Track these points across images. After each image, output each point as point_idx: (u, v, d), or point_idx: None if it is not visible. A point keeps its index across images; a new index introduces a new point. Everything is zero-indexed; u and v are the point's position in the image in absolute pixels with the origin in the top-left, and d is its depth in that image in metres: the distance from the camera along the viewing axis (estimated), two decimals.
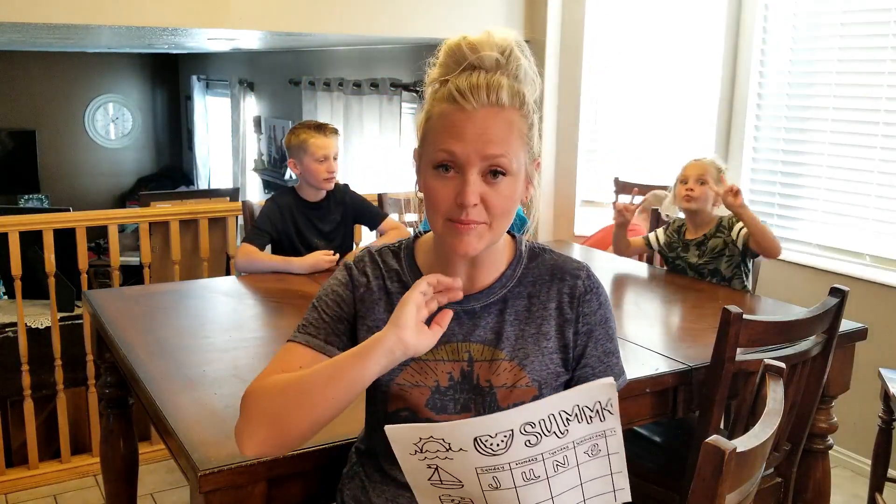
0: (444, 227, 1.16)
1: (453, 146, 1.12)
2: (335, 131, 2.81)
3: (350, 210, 2.89)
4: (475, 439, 1.01)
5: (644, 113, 4.01)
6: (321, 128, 2.77)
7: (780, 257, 3.33)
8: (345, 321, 1.26)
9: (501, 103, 1.13)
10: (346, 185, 2.93)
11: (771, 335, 1.80)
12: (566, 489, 1.07)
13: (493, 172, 1.13)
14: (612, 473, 1.08)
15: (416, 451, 1.03)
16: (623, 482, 1.09)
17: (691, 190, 2.65)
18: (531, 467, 1.04)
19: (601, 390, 1.05)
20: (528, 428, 1.03)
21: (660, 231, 2.85)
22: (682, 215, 2.79)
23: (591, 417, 1.05)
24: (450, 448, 1.01)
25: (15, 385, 3.12)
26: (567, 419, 1.04)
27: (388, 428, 1.02)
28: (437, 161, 1.14)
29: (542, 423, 1.03)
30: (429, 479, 1.05)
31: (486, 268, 1.24)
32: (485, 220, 1.14)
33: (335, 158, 2.77)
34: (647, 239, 2.86)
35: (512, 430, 1.02)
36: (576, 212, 4.09)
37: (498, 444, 1.02)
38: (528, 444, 1.03)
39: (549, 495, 1.06)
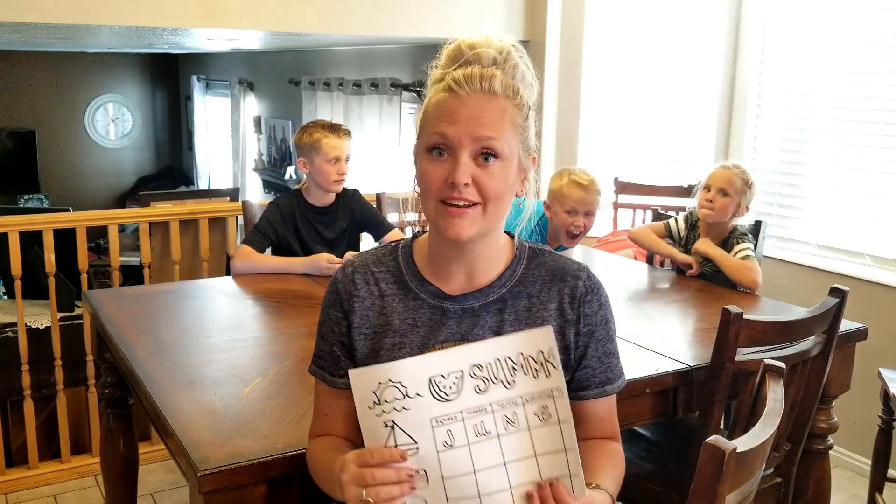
0: (437, 209, 1.17)
1: (445, 128, 1.14)
2: (348, 133, 2.76)
3: (357, 217, 2.84)
4: (430, 380, 1.06)
5: (644, 113, 4.01)
6: (335, 128, 2.73)
7: (779, 257, 3.36)
8: (341, 344, 1.27)
9: (494, 91, 1.15)
10: (355, 191, 2.88)
11: (771, 335, 1.80)
12: (519, 457, 1.08)
13: (485, 155, 1.14)
14: (566, 450, 1.08)
15: (374, 402, 1.06)
16: (577, 466, 1.09)
17: (711, 201, 2.60)
18: (482, 419, 1.07)
19: (542, 337, 1.09)
20: (477, 371, 1.07)
21: (680, 219, 2.79)
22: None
23: (536, 371, 1.08)
24: (406, 395, 1.06)
25: (15, 385, 3.12)
26: (513, 368, 1.08)
27: (351, 371, 1.08)
28: (430, 143, 1.16)
29: (489, 367, 1.07)
30: (385, 446, 1.07)
31: (484, 266, 1.24)
32: (477, 199, 1.15)
33: (347, 160, 2.72)
34: (667, 225, 2.81)
35: (462, 371, 1.07)
36: None
37: (450, 387, 1.07)
38: (477, 389, 1.07)
39: (501, 460, 1.07)
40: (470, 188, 1.14)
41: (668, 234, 2.79)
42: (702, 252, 2.63)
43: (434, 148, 1.15)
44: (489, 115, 1.14)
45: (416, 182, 1.22)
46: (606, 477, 1.20)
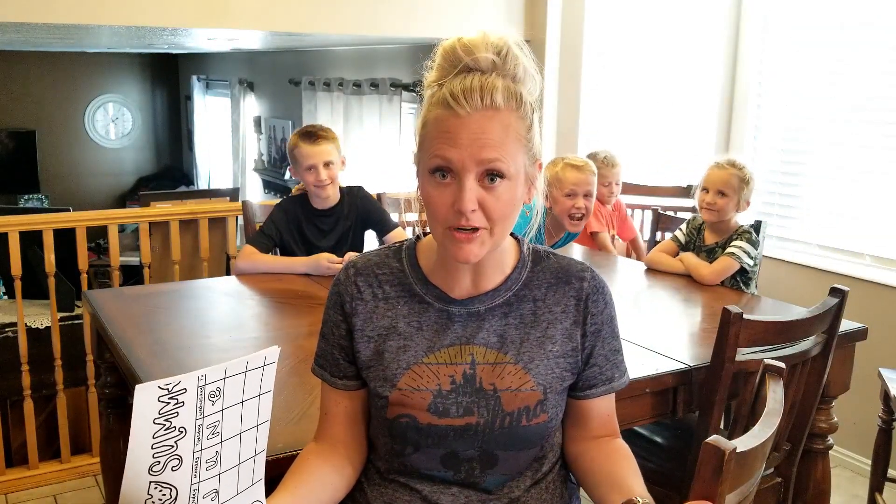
0: (444, 235, 1.14)
1: (448, 152, 1.10)
2: (327, 138, 2.66)
3: (362, 213, 2.82)
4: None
5: (644, 113, 4.01)
6: (309, 135, 2.66)
7: (779, 257, 3.36)
8: (340, 347, 1.27)
9: (496, 105, 1.10)
10: (359, 188, 2.86)
11: (771, 335, 1.80)
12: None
13: (491, 177, 1.11)
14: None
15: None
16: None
17: (711, 204, 2.64)
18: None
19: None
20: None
21: (683, 227, 2.82)
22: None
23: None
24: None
25: (15, 385, 3.12)
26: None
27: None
28: (432, 167, 1.12)
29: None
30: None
31: (490, 270, 1.23)
32: (484, 225, 1.12)
33: (327, 166, 2.64)
34: (675, 238, 2.82)
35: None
36: None
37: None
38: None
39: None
40: (477, 213, 1.11)
41: (682, 247, 2.80)
42: (687, 264, 2.68)
43: (437, 170, 1.12)
44: (492, 135, 1.10)
45: (418, 192, 1.19)
46: (636, 483, 1.21)
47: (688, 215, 2.92)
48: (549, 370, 1.22)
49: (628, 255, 3.47)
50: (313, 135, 2.66)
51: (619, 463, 1.26)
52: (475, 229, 1.12)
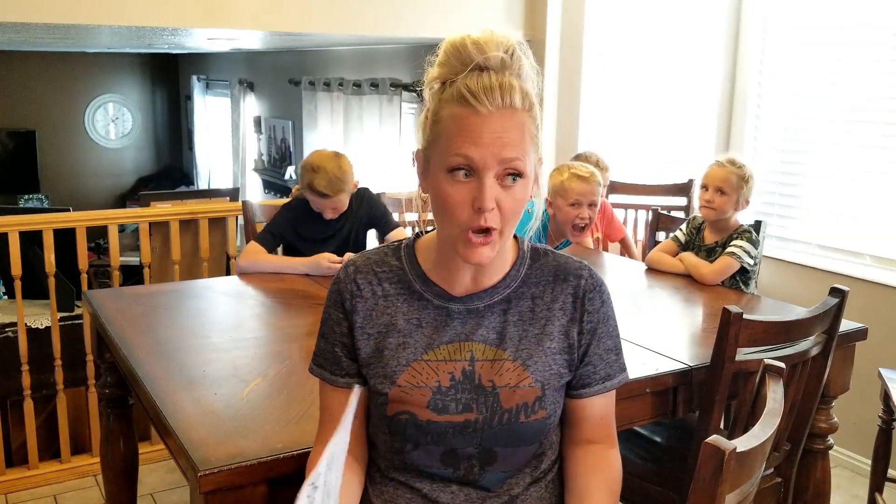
0: (459, 237, 1.15)
1: (470, 150, 1.11)
2: (341, 192, 2.66)
3: (366, 214, 2.85)
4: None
5: (644, 113, 4.01)
6: (320, 194, 2.66)
7: (779, 257, 3.36)
8: (343, 345, 1.27)
9: (514, 105, 1.12)
10: (364, 189, 2.89)
11: (771, 335, 1.80)
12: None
13: (513, 176, 1.13)
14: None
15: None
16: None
17: (710, 201, 2.64)
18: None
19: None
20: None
21: (683, 227, 2.82)
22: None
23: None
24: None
25: (15, 385, 3.12)
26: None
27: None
28: (452, 165, 1.12)
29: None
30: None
31: (490, 267, 1.23)
32: (498, 225, 1.14)
33: (334, 208, 2.70)
34: (676, 238, 2.82)
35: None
36: None
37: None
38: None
39: None
40: (493, 212, 1.13)
41: (682, 246, 2.79)
42: (687, 263, 2.67)
43: (458, 169, 1.12)
44: (512, 134, 1.12)
45: (420, 189, 1.20)
46: None
47: (681, 214, 2.92)
48: (547, 367, 1.22)
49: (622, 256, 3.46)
50: (324, 195, 2.65)
51: (592, 478, 1.27)
52: (490, 231, 1.13)
